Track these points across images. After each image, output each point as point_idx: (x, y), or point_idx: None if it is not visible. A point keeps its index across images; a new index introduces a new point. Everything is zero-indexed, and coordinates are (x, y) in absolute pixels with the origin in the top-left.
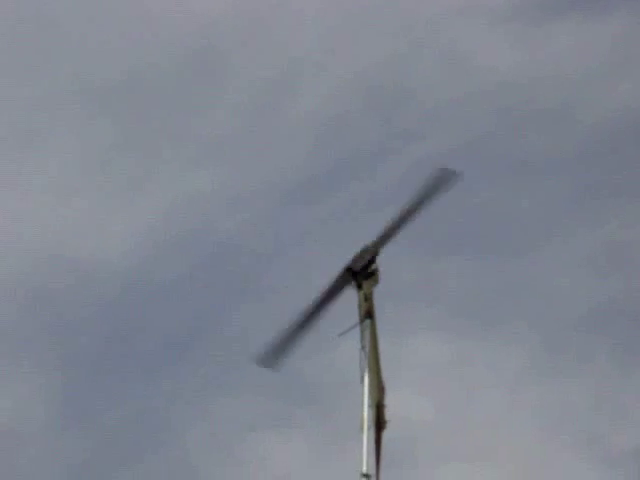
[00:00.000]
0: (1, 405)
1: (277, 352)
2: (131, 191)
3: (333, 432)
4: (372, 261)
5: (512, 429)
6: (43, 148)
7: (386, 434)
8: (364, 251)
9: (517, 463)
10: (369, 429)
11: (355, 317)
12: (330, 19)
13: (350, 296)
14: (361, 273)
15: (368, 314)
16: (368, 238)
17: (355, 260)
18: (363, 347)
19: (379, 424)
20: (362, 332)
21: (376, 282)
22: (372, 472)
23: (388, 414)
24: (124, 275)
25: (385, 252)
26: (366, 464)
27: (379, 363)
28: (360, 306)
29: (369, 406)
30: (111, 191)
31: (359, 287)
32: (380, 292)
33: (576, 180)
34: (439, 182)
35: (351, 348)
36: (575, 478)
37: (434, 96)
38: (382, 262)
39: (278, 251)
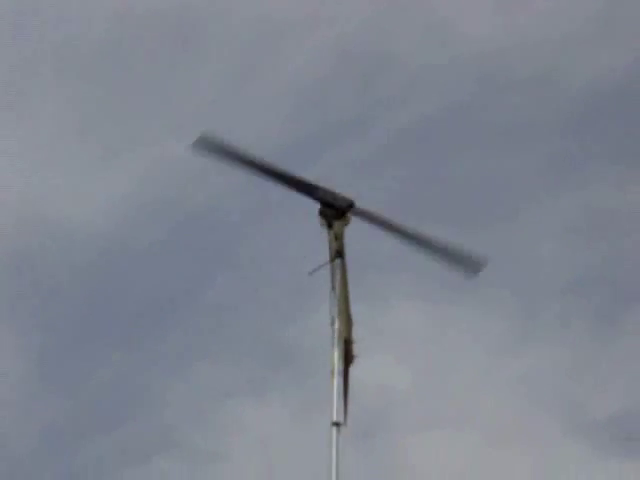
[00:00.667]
0: None
1: (217, 148)
2: (109, 155)
3: (311, 395)
4: (343, 208)
5: (491, 396)
6: (21, 111)
7: (365, 401)
8: (343, 199)
9: (495, 430)
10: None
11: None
12: None
13: (322, 238)
14: (332, 212)
15: (338, 253)
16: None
17: (330, 194)
18: (333, 288)
19: (347, 359)
20: (332, 272)
21: (347, 223)
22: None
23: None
24: (103, 239)
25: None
26: (336, 412)
27: (348, 299)
28: (331, 246)
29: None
30: (89, 155)
31: (329, 226)
32: (358, 258)
33: (558, 147)
34: (459, 259)
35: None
36: (553, 445)
37: (416, 62)
38: (362, 228)
39: (257, 218)
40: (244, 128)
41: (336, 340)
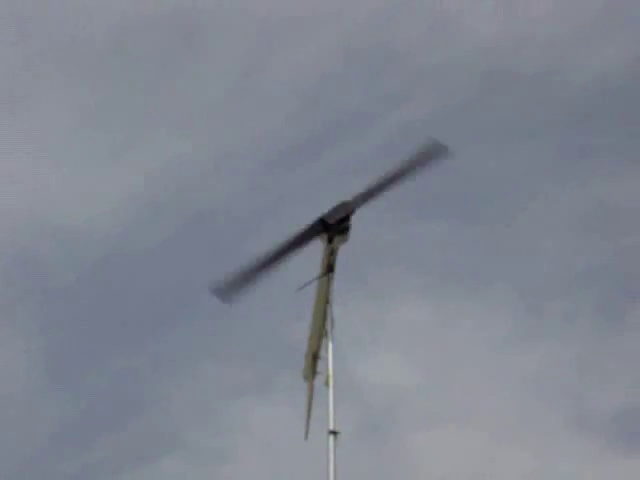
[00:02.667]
0: None
1: (234, 287)
2: (115, 155)
3: (316, 396)
4: (347, 218)
5: (496, 393)
6: (26, 112)
7: (370, 399)
8: (341, 206)
9: (501, 427)
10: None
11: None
12: None
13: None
14: (335, 227)
15: (330, 267)
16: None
17: (331, 213)
18: (327, 301)
19: (312, 374)
20: (322, 285)
21: (346, 240)
22: (339, 428)
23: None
24: (108, 239)
25: (369, 216)
26: (333, 421)
27: (326, 314)
28: (324, 259)
29: (306, 355)
30: (95, 156)
31: (329, 241)
32: (364, 256)
33: (561, 143)
34: (427, 154)
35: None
36: (559, 441)
37: (419, 59)
38: (367, 227)
39: (262, 215)
40: (249, 126)
41: (330, 352)
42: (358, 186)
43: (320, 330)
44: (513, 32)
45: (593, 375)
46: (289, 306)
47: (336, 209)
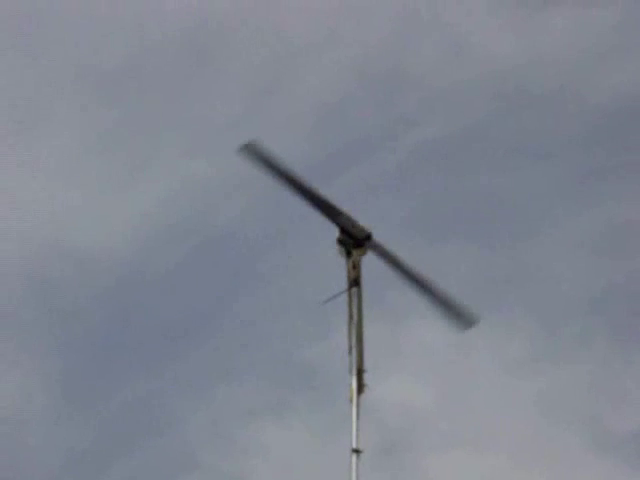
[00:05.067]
0: (1, 391)
1: (256, 151)
2: (130, 178)
3: (332, 418)
4: (362, 239)
5: (512, 414)
6: (40, 134)
7: (386, 421)
8: (360, 228)
9: (516, 448)
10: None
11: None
12: (329, 1)
13: (339, 267)
14: (352, 240)
15: (355, 282)
16: (367, 223)
17: (346, 220)
18: (350, 316)
19: (359, 388)
20: (349, 301)
21: (364, 252)
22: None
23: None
24: (123, 262)
25: (382, 236)
26: (356, 439)
27: (362, 330)
28: (348, 274)
29: (353, 374)
30: (110, 178)
31: (348, 254)
32: (378, 277)
33: (576, 164)
34: (455, 313)
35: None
36: (575, 462)
37: (433, 81)
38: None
39: (278, 237)
40: (264, 148)
41: (354, 368)
42: (374, 207)
43: (359, 345)
44: (527, 52)
45: (609, 396)
46: (305, 326)
47: (354, 224)
